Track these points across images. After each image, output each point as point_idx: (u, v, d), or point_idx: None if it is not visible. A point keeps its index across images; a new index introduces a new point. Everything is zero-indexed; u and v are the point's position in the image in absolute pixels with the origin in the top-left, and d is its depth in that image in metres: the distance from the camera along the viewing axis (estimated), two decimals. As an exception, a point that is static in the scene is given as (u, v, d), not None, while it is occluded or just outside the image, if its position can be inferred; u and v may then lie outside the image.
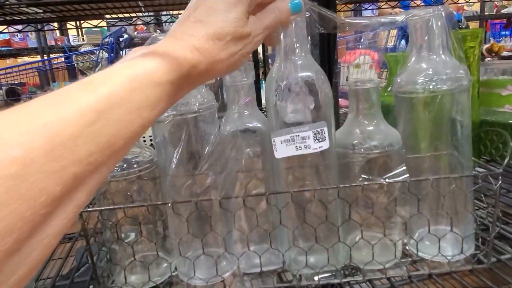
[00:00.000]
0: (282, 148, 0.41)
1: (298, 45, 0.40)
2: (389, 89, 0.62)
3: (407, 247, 0.49)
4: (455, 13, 0.41)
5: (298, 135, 0.41)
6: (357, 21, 0.42)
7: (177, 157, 0.41)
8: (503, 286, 0.42)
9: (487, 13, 2.92)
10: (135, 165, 0.43)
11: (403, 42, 2.67)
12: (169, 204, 0.41)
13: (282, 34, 0.40)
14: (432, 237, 0.46)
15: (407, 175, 0.43)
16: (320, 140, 0.41)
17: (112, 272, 0.48)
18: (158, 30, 2.81)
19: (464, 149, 0.45)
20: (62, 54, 2.51)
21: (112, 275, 0.48)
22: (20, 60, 2.93)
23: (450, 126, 0.44)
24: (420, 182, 0.45)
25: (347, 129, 0.46)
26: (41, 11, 1.03)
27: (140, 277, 0.46)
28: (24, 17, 1.09)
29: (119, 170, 0.42)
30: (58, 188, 0.19)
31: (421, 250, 0.47)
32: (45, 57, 2.52)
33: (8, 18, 1.09)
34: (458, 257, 0.46)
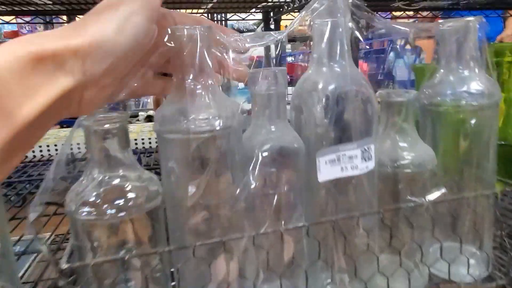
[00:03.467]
0: (326, 170, 0.35)
1: (345, 48, 0.34)
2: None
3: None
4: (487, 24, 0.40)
5: (345, 154, 0.35)
6: (396, 26, 0.38)
7: (202, 181, 0.31)
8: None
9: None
10: (139, 198, 0.32)
11: (391, 54, 2.64)
12: (193, 246, 0.31)
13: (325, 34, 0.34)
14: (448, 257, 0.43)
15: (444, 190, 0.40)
16: (367, 159, 0.36)
17: None
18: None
19: (488, 166, 0.43)
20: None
21: None
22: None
23: (477, 143, 0.43)
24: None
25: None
26: (50, 2, 1.00)
27: None
28: (33, 8, 1.04)
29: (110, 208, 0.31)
30: None
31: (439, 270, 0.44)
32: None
33: (16, 8, 1.02)
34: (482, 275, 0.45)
